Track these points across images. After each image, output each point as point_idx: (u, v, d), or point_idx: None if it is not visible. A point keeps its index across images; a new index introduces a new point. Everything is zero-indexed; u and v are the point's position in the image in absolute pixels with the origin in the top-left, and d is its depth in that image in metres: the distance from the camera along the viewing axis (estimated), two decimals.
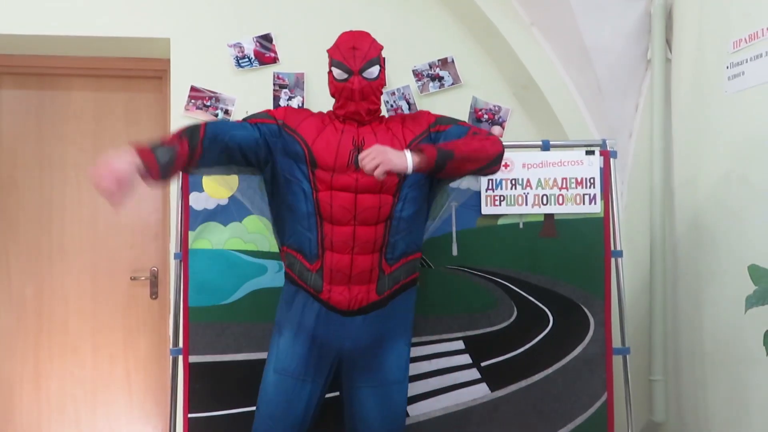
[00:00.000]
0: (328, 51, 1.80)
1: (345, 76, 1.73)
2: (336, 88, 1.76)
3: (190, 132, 1.66)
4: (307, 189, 1.71)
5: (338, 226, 1.69)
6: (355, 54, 1.72)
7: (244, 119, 1.80)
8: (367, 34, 1.79)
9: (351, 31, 1.79)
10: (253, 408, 1.77)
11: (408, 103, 2.62)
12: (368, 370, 1.73)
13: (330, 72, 1.78)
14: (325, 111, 1.85)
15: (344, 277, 1.69)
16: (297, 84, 2.58)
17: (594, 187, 2.09)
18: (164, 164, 1.58)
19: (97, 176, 1.51)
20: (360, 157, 1.56)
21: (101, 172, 1.51)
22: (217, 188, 2.03)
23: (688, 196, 2.32)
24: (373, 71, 1.74)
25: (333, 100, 1.82)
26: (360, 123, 1.78)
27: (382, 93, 1.81)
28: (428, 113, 1.87)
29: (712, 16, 2.17)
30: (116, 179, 1.50)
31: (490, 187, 2.09)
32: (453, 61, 2.65)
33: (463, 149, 1.65)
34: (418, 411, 2.05)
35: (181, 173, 1.94)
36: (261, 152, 1.76)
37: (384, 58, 1.81)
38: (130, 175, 1.51)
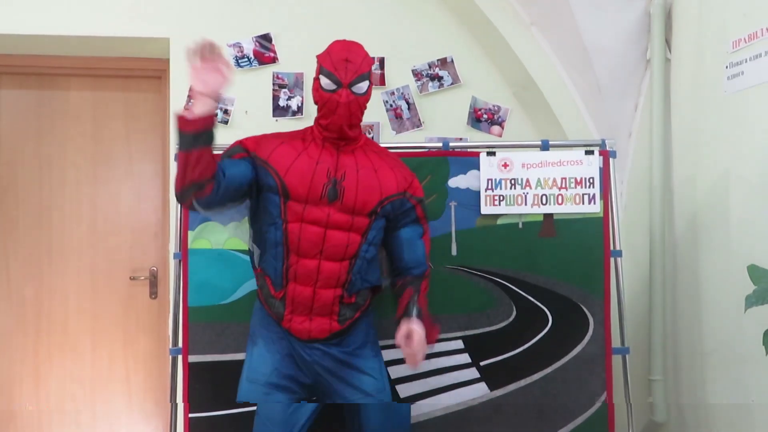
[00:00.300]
0: (318, 57, 1.73)
1: (333, 87, 1.66)
2: (321, 97, 1.69)
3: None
4: (278, 219, 1.69)
5: (304, 259, 1.68)
6: (347, 67, 1.66)
7: (222, 156, 1.71)
8: (361, 47, 1.72)
9: (345, 41, 1.73)
10: (253, 408, 1.76)
11: (407, 103, 2.62)
12: (347, 387, 1.74)
13: (317, 79, 1.70)
14: (312, 112, 1.82)
15: (305, 308, 1.69)
16: (296, 84, 2.58)
17: (593, 187, 2.09)
18: (211, 135, 1.60)
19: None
20: (411, 363, 1.62)
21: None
22: None
23: (687, 195, 2.32)
24: (363, 86, 1.69)
25: None
26: (339, 145, 1.73)
27: (365, 108, 1.76)
28: (413, 176, 1.83)
29: (712, 16, 2.17)
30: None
31: (489, 186, 2.09)
32: (452, 60, 2.65)
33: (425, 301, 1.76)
34: (417, 410, 2.05)
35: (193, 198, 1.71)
36: (254, 184, 1.72)
37: (373, 74, 1.74)
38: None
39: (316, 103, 1.73)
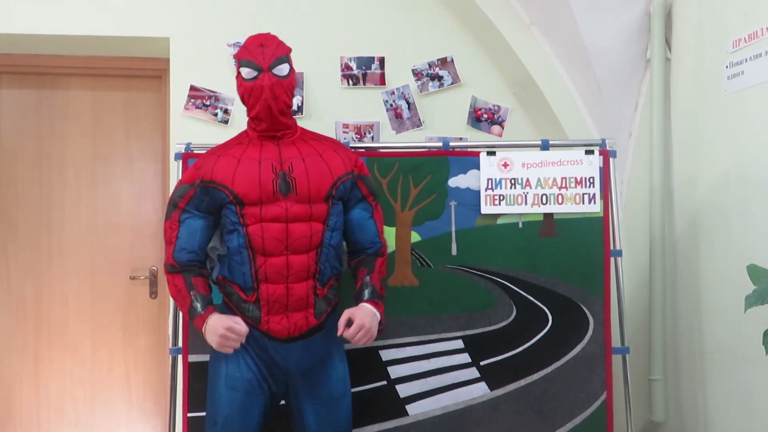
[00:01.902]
0: (234, 56, 1.78)
1: (254, 74, 1.69)
2: (245, 89, 1.71)
3: (188, 277, 1.72)
4: (237, 225, 1.70)
5: (271, 258, 1.68)
6: (264, 51, 1.70)
7: (174, 205, 1.75)
8: (275, 36, 1.77)
9: (258, 34, 1.78)
10: None
11: (407, 103, 2.62)
12: (312, 388, 1.76)
13: (238, 75, 1.73)
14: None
15: (281, 306, 1.69)
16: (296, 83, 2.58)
17: (593, 187, 2.09)
18: (209, 298, 1.73)
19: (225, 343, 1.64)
20: (353, 339, 1.68)
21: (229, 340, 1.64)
22: None
23: (687, 195, 2.32)
24: (283, 68, 1.71)
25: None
26: (277, 139, 1.76)
27: (293, 96, 1.78)
28: (357, 155, 1.88)
29: (712, 15, 2.17)
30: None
31: (489, 186, 2.09)
32: (452, 60, 2.65)
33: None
34: (417, 410, 2.05)
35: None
36: (217, 216, 1.76)
37: (292, 60, 1.79)
38: (228, 323, 1.64)
39: (243, 99, 1.76)
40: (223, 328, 1.60)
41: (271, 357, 1.73)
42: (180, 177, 2.07)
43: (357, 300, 1.78)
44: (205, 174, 1.72)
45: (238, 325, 1.62)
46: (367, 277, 1.81)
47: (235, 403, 1.70)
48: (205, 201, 1.73)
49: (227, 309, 1.77)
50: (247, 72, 1.70)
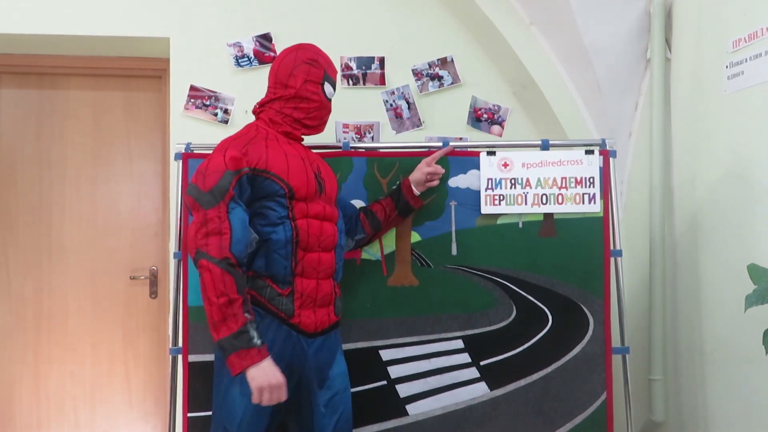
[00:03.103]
0: (318, 59, 1.80)
1: (333, 94, 1.86)
2: (320, 102, 1.81)
3: (242, 284, 1.55)
4: (285, 219, 1.69)
5: (309, 253, 1.71)
6: (335, 72, 1.86)
7: (222, 192, 1.57)
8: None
9: (316, 47, 1.85)
10: None
11: (408, 103, 2.62)
12: (323, 382, 1.77)
13: (314, 82, 1.78)
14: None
15: (311, 301, 1.72)
16: None
17: (593, 187, 2.09)
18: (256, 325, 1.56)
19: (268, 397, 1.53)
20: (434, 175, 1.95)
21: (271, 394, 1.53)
22: None
23: (687, 195, 2.32)
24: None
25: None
26: (300, 139, 1.86)
27: None
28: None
29: (712, 15, 2.17)
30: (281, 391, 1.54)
31: (489, 186, 2.09)
32: (452, 60, 2.65)
33: None
34: (417, 410, 2.05)
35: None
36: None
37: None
38: (283, 383, 1.54)
39: (302, 102, 1.78)
40: (278, 383, 1.50)
41: (290, 359, 1.69)
42: (180, 177, 2.06)
43: (399, 194, 1.99)
44: (258, 162, 1.63)
45: (284, 389, 1.54)
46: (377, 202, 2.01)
47: (249, 409, 1.65)
48: (248, 192, 1.62)
49: (256, 305, 1.66)
50: (330, 92, 1.83)
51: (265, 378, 1.48)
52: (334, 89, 1.86)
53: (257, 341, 1.50)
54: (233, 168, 1.58)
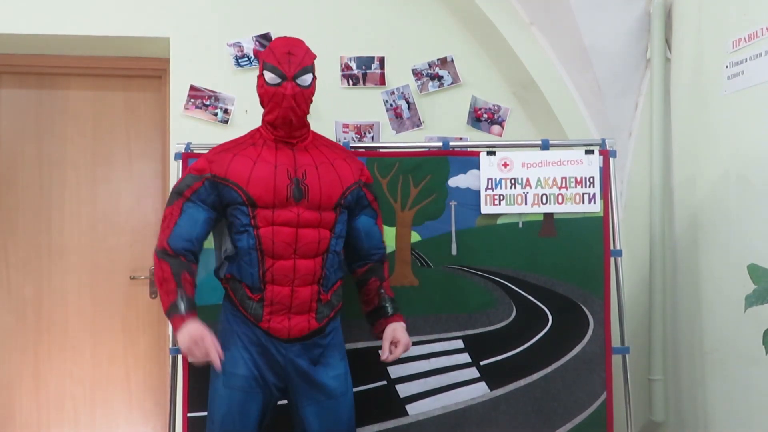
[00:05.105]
0: (260, 54, 1.76)
1: (278, 80, 1.69)
2: (266, 92, 1.72)
3: (178, 268, 1.67)
4: (248, 227, 1.70)
5: (279, 260, 1.70)
6: (291, 59, 1.70)
7: (179, 193, 1.72)
8: (303, 42, 1.76)
9: (286, 37, 1.77)
10: None
11: (407, 102, 2.62)
12: (310, 388, 1.75)
13: (261, 75, 1.73)
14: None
15: (284, 307, 1.71)
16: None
17: (593, 187, 2.09)
18: (193, 301, 1.68)
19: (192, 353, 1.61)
20: (388, 358, 1.76)
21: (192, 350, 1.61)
22: None
23: (687, 195, 2.32)
24: (307, 78, 1.72)
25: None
26: (292, 144, 1.77)
27: (311, 102, 1.79)
28: (363, 164, 1.89)
29: (712, 15, 2.17)
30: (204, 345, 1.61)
31: (489, 186, 2.09)
32: (452, 60, 2.65)
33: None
34: (417, 410, 2.05)
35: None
36: (217, 208, 1.75)
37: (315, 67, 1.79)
38: (205, 335, 1.61)
39: (261, 100, 1.76)
40: (199, 336, 1.58)
41: (271, 355, 1.73)
42: (180, 175, 2.06)
43: (379, 314, 1.84)
44: (218, 170, 1.71)
45: (215, 346, 1.61)
46: (382, 290, 1.86)
47: (233, 402, 1.70)
48: (212, 196, 1.72)
49: (230, 304, 1.77)
50: (270, 77, 1.71)
51: (187, 334, 1.58)
52: (288, 72, 1.69)
53: (183, 311, 1.62)
54: (196, 173, 1.73)
